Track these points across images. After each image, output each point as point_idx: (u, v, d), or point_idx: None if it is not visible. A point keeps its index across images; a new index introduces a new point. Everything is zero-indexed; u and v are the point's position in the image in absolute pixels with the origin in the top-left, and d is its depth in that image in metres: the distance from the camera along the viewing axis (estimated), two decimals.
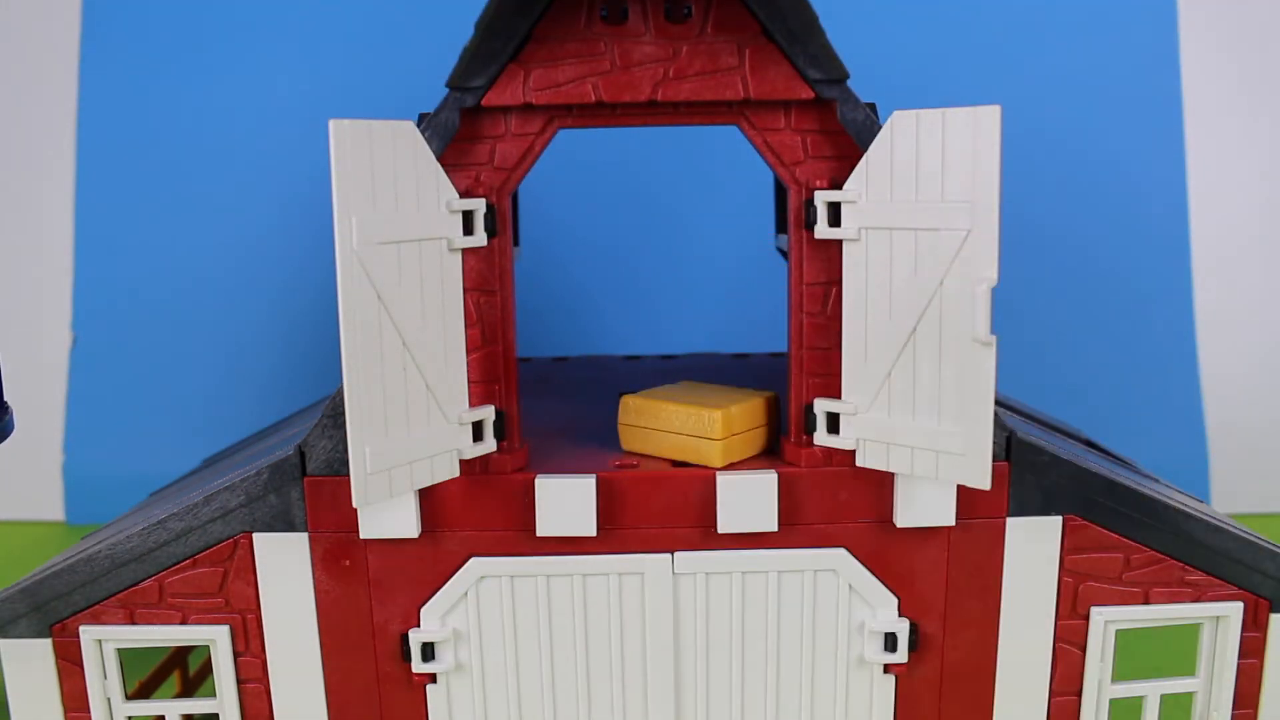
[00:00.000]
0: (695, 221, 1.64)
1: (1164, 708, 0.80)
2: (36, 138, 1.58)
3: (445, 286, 0.71)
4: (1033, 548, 0.76)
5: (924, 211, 0.68)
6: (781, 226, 1.13)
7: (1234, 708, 0.79)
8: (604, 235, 1.58)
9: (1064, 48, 1.56)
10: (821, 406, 0.74)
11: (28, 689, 0.78)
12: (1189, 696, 0.80)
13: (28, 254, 1.59)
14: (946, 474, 0.69)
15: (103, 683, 0.78)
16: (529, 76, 0.70)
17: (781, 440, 0.78)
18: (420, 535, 0.75)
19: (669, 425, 0.78)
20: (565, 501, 0.74)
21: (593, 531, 0.75)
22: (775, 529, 0.75)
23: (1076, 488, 0.75)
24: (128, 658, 0.80)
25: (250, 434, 1.31)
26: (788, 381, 0.76)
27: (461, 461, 0.74)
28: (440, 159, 0.70)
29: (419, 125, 0.70)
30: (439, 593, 0.77)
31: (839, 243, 0.72)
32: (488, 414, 0.75)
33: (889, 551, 0.76)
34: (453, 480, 0.74)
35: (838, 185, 0.72)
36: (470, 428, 0.74)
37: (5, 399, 0.92)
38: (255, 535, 0.76)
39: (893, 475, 0.74)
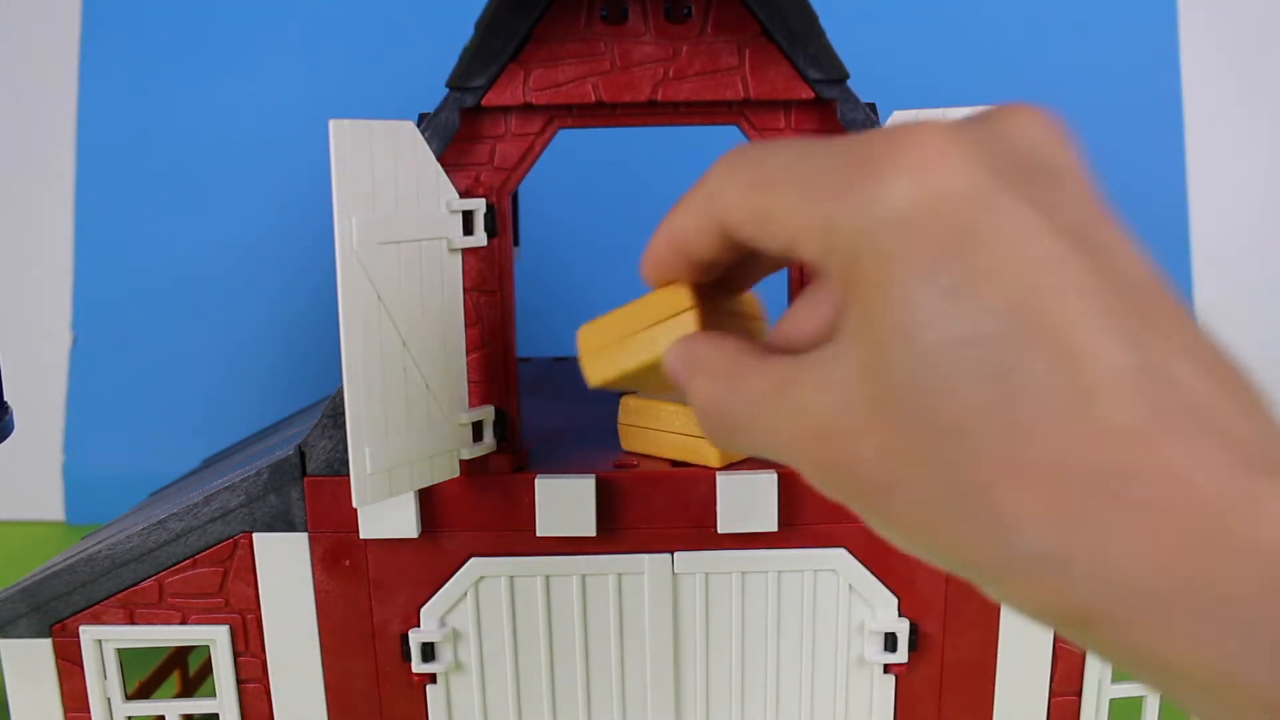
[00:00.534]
0: None
1: (1164, 708, 0.80)
2: (36, 138, 1.58)
3: (445, 286, 0.71)
4: None
5: None
6: None
7: None
8: (604, 235, 1.58)
9: (1064, 48, 1.56)
10: None
11: (28, 689, 0.78)
12: None
13: (28, 254, 1.59)
14: None
15: (103, 683, 0.78)
16: (529, 76, 0.70)
17: None
18: (420, 535, 0.75)
19: (668, 425, 0.78)
20: (565, 501, 0.74)
21: (592, 531, 0.74)
22: (775, 529, 0.75)
23: None
24: (128, 658, 0.80)
25: (250, 434, 1.31)
26: None
27: (461, 461, 0.74)
28: (440, 159, 0.70)
29: (419, 125, 0.70)
30: (439, 593, 0.77)
31: None
32: (488, 414, 0.75)
33: (889, 552, 0.76)
34: (453, 480, 0.74)
35: None
36: (470, 427, 0.74)
37: (5, 399, 0.92)
38: (255, 535, 0.76)
39: None
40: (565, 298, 1.60)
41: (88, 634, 0.76)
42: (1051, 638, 0.78)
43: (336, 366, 0.66)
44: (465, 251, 0.73)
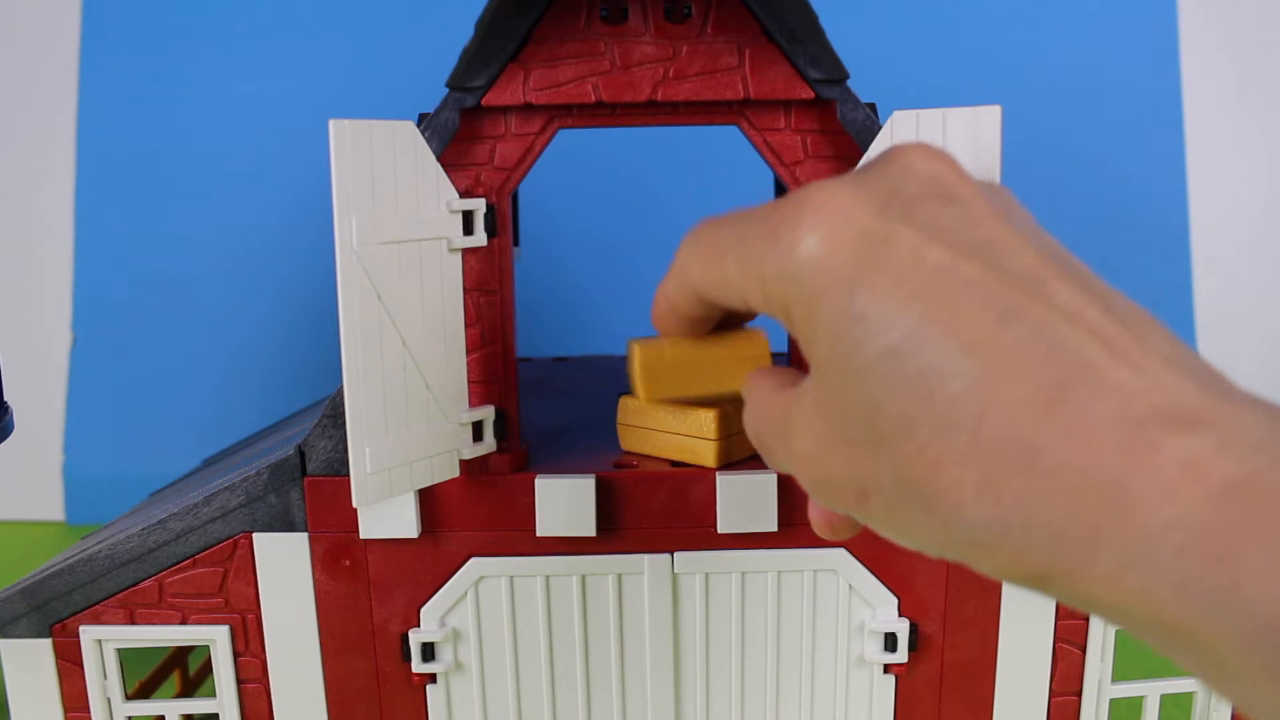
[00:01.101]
0: (695, 222, 1.63)
1: (1164, 708, 0.80)
2: (36, 138, 1.58)
3: (445, 287, 0.71)
4: None
5: None
6: None
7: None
8: (604, 235, 1.58)
9: (1064, 48, 1.56)
10: None
11: (28, 689, 0.78)
12: (1189, 696, 0.80)
13: (28, 254, 1.59)
14: None
15: (103, 683, 0.78)
16: (529, 76, 0.70)
17: None
18: (420, 535, 0.75)
19: (666, 425, 0.78)
20: (565, 501, 0.74)
21: (592, 531, 0.75)
22: (775, 529, 0.75)
23: None
24: (128, 658, 0.80)
25: (250, 434, 1.31)
26: None
27: (461, 461, 0.74)
28: (440, 159, 0.70)
29: (419, 125, 0.70)
30: (439, 593, 0.77)
31: None
32: (488, 414, 0.75)
33: (889, 552, 0.76)
34: (453, 480, 0.74)
35: None
36: (470, 428, 0.74)
37: (5, 399, 0.92)
38: (255, 535, 0.76)
39: None
40: (565, 298, 1.60)
41: (88, 634, 0.77)
42: (1051, 638, 0.78)
43: (336, 366, 0.66)
44: (465, 251, 0.73)
